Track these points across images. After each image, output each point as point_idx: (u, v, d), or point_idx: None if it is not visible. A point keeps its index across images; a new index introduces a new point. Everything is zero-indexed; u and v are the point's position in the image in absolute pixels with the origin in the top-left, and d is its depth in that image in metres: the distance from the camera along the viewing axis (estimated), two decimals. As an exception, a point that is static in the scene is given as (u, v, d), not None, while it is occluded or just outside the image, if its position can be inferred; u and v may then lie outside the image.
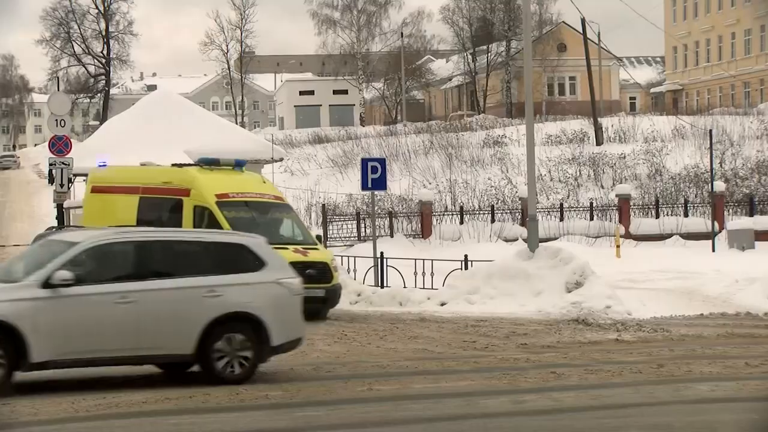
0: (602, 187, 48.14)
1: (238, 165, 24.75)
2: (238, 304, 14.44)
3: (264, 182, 25.32)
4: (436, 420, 12.29)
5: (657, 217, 42.03)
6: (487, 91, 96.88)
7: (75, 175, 34.57)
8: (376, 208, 30.39)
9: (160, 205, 24.25)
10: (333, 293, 23.03)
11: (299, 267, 20.47)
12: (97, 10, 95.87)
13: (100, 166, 28.49)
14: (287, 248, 21.88)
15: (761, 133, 55.19)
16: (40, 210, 54.24)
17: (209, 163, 24.43)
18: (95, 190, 26.47)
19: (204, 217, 23.03)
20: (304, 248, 22.97)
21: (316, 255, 23.01)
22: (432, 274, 27.61)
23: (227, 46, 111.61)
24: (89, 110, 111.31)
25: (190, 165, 25.66)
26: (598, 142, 56.57)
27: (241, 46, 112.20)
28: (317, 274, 22.31)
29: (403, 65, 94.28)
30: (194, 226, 22.72)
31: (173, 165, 25.61)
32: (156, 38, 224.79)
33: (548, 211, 41.60)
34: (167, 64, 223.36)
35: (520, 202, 41.33)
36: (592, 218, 42.02)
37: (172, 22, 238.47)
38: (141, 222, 23.57)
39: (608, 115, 69.16)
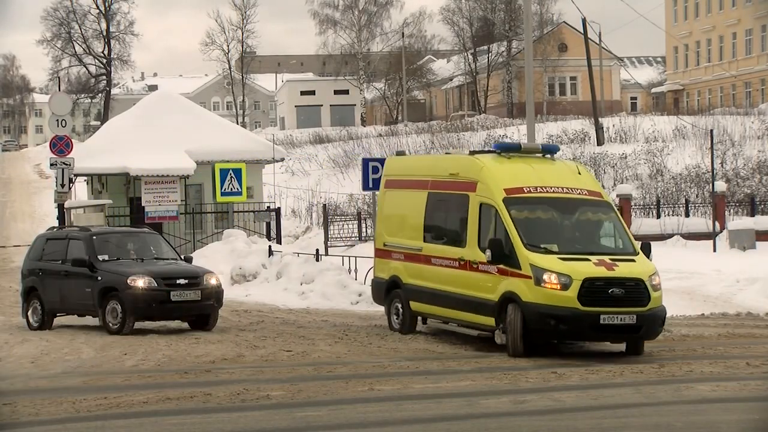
0: (603, 187, 48.06)
1: (548, 151, 19.74)
2: None
3: (579, 173, 19.47)
4: (436, 420, 12.28)
5: (658, 217, 41.93)
6: (488, 91, 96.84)
7: (75, 175, 34.58)
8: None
9: (447, 203, 19.65)
10: (648, 321, 17.14)
11: (599, 285, 16.97)
12: (98, 10, 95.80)
13: (398, 154, 24.15)
14: (588, 259, 17.31)
15: (762, 133, 55.10)
16: (41, 210, 54.22)
17: (507, 149, 19.51)
18: (389, 184, 21.55)
19: (491, 218, 18.29)
20: (613, 259, 17.54)
21: (628, 269, 17.39)
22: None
23: (228, 46, 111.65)
24: (90, 110, 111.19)
25: (489, 152, 20.32)
26: (599, 142, 56.49)
27: (242, 46, 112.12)
28: (624, 294, 16.98)
29: (404, 65, 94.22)
30: (479, 230, 18.42)
31: (471, 152, 20.86)
32: (157, 38, 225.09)
33: (549, 211, 41.53)
34: (168, 64, 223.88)
35: (521, 202, 41.19)
36: (593, 218, 41.91)
37: (173, 22, 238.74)
38: (428, 224, 20.00)
39: (609, 115, 69.11)
